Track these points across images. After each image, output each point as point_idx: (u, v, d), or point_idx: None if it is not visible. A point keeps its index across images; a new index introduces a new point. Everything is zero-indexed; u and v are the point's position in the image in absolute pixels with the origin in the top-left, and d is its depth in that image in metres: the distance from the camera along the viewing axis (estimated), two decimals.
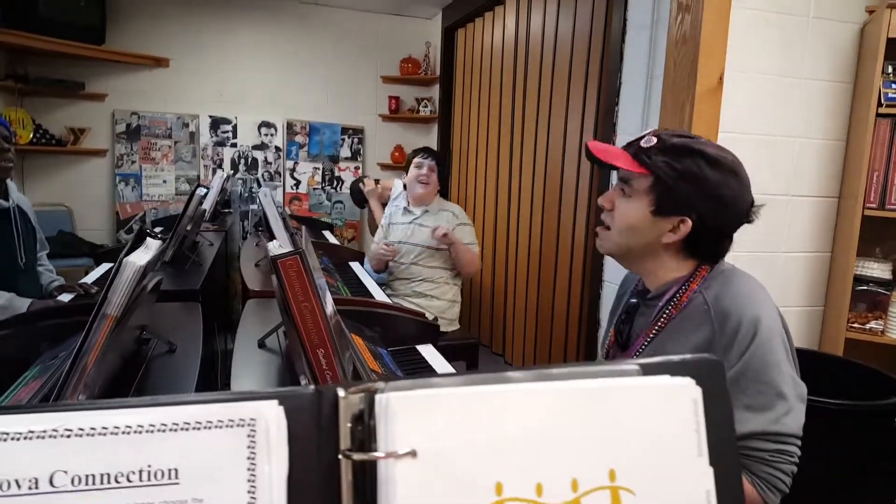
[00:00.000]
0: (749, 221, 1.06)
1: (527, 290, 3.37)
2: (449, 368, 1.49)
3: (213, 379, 1.83)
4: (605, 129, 2.47)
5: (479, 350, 2.71)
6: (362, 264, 2.77)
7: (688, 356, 0.42)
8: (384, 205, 3.54)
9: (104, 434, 0.30)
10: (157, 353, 1.21)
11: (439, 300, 2.74)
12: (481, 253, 3.91)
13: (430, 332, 1.70)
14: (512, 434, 0.36)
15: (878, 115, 1.92)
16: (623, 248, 1.10)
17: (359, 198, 3.80)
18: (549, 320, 3.12)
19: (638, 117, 2.23)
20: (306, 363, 0.90)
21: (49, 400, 0.88)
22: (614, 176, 2.58)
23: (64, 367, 1.01)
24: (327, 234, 3.54)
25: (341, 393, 0.34)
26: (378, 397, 0.34)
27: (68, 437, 0.30)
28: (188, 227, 2.02)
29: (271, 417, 0.32)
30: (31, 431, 0.30)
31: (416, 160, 2.82)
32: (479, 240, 3.81)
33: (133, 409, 0.31)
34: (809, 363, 1.82)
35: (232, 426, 0.31)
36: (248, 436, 0.31)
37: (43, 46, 3.70)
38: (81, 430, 0.30)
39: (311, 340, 0.89)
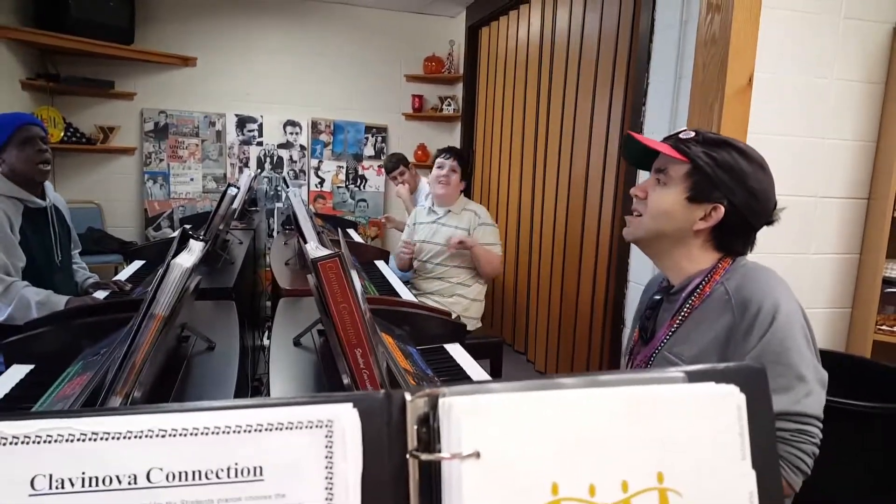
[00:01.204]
0: (771, 223, 1.11)
1: (550, 290, 3.37)
2: (478, 368, 1.51)
3: (246, 374, 1.87)
4: (632, 130, 2.47)
5: (503, 349, 2.73)
6: (387, 262, 2.80)
7: (732, 364, 0.44)
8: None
9: (195, 434, 0.33)
10: (197, 350, 1.25)
11: (462, 298, 2.76)
12: (505, 251, 3.93)
13: (456, 331, 1.73)
14: (566, 437, 0.39)
15: None
16: (654, 234, 1.14)
17: (391, 166, 3.91)
18: (572, 320, 3.13)
19: (666, 117, 2.23)
20: (345, 363, 0.92)
21: (99, 394, 0.91)
22: (641, 176, 2.57)
23: (109, 363, 1.05)
24: (351, 232, 3.58)
25: (408, 397, 0.36)
26: (441, 401, 0.37)
27: (163, 436, 0.33)
28: (220, 227, 2.07)
29: (347, 419, 0.34)
30: (130, 431, 0.32)
31: (438, 160, 2.85)
32: (502, 239, 3.84)
33: (220, 412, 0.34)
34: (837, 365, 1.81)
35: (311, 427, 0.34)
36: (326, 436, 0.34)
37: (73, 46, 3.80)
38: (175, 430, 0.33)
39: (350, 340, 0.92)
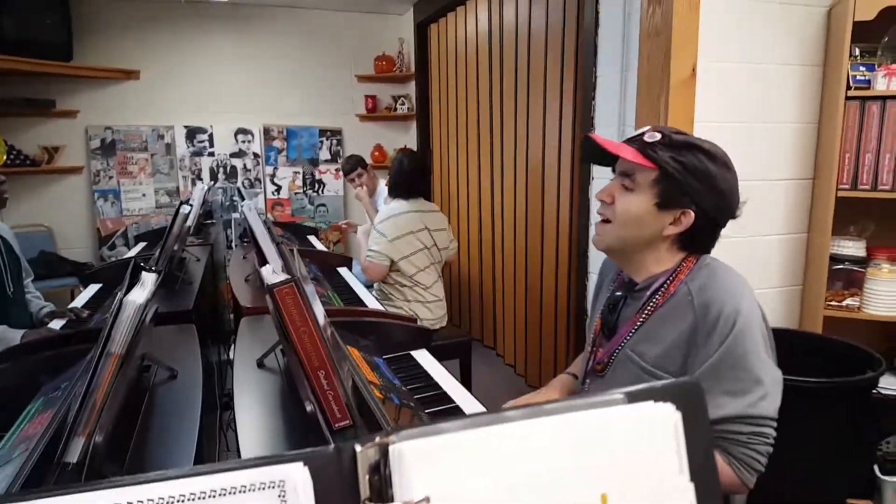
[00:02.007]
0: (734, 217, 1.12)
1: (515, 284, 3.42)
2: (445, 373, 1.53)
3: (212, 396, 1.85)
4: (584, 122, 2.51)
5: (471, 347, 2.75)
6: (350, 269, 2.79)
7: (669, 381, 0.46)
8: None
9: None
10: (159, 379, 1.23)
11: (408, 302, 2.76)
12: (467, 247, 3.95)
13: (422, 336, 1.74)
14: (513, 470, 0.40)
15: (847, 97, 1.95)
16: (623, 241, 1.13)
17: (348, 168, 3.92)
18: (538, 312, 3.18)
19: (615, 110, 2.27)
20: (308, 386, 0.93)
21: (62, 435, 0.90)
22: (595, 169, 2.60)
23: (70, 400, 1.03)
24: (312, 238, 3.56)
25: (358, 448, 0.37)
26: (392, 448, 0.38)
27: None
28: (174, 247, 2.03)
29: (298, 478, 0.35)
30: None
31: None
32: (465, 234, 3.85)
33: (170, 482, 0.34)
34: (790, 341, 1.90)
35: (264, 488, 0.35)
36: (279, 496, 0.35)
37: (9, 66, 3.66)
38: (129, 503, 0.33)
39: (312, 364, 0.92)
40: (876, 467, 2.02)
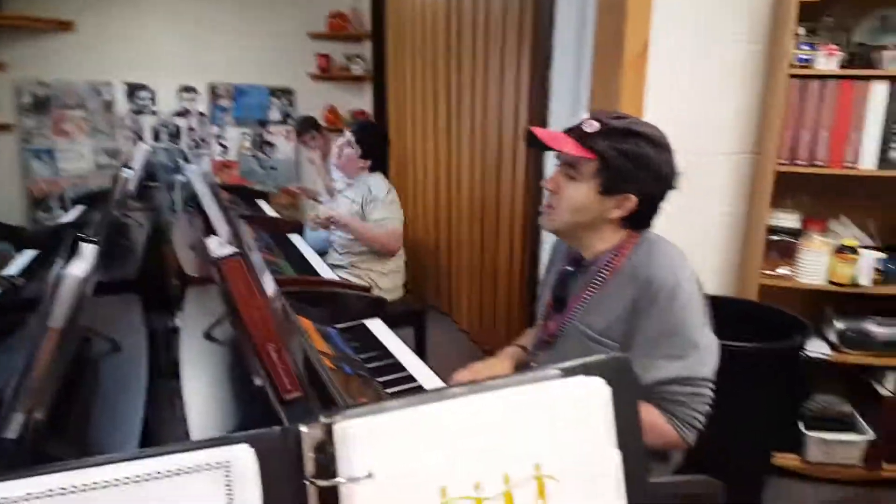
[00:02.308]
0: (673, 188, 1.18)
1: (471, 250, 3.45)
2: (399, 343, 1.55)
3: (158, 365, 1.81)
4: (540, 95, 2.52)
5: (426, 315, 2.77)
6: (301, 235, 2.76)
7: (600, 357, 0.49)
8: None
9: (95, 488, 0.34)
10: (102, 352, 1.20)
11: (371, 272, 2.76)
12: (423, 212, 3.95)
13: (376, 305, 1.75)
14: (453, 444, 0.42)
15: (790, 75, 2.01)
16: (569, 225, 1.19)
17: (300, 130, 3.88)
18: (492, 280, 3.22)
19: (570, 83, 2.29)
20: (257, 359, 0.93)
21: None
22: None
23: (7, 377, 1.00)
24: (262, 203, 3.47)
25: (303, 429, 0.38)
26: (335, 428, 0.39)
27: (63, 494, 0.34)
28: (115, 213, 1.95)
29: (244, 459, 0.36)
30: (30, 493, 0.33)
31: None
32: (420, 199, 3.83)
33: (119, 464, 0.35)
34: (727, 308, 2.00)
35: (210, 469, 0.36)
36: (225, 476, 0.36)
37: None
38: (75, 487, 0.34)
39: (260, 338, 0.92)
40: (801, 424, 2.18)
